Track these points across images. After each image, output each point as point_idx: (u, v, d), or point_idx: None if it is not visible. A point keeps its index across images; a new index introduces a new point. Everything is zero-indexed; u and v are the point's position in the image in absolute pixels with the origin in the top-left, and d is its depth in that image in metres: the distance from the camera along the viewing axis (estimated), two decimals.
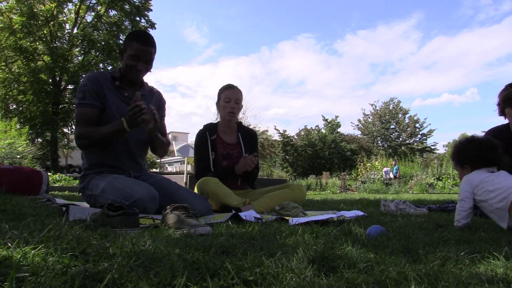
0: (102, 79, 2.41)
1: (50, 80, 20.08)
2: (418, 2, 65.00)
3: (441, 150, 35.00)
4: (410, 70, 67.46)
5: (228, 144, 2.98)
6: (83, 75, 18.33)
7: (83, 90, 2.35)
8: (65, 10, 20.43)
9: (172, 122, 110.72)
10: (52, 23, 18.85)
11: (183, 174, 11.07)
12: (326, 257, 0.98)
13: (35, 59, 19.19)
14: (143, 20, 21.14)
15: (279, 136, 29.84)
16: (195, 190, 2.70)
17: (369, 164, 20.89)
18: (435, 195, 8.42)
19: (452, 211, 2.56)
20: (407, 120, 35.19)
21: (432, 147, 34.52)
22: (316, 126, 32.12)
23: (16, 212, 1.77)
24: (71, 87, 20.60)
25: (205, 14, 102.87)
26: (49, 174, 6.01)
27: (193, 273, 0.83)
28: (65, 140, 22.74)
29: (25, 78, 19.09)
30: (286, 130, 30.03)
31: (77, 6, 20.05)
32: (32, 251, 0.91)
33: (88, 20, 20.95)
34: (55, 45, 19.08)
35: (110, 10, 20.77)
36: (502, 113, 2.66)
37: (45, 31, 19.04)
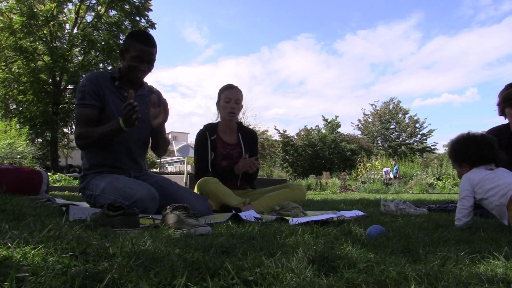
0: (102, 79, 2.41)
1: (50, 80, 20.09)
2: (418, 2, 64.96)
3: (441, 150, 34.89)
4: (410, 70, 67.43)
5: (228, 144, 2.98)
6: (83, 75, 18.32)
7: (82, 90, 2.35)
8: (65, 10, 20.46)
9: (172, 122, 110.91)
10: (52, 23, 18.86)
11: (183, 174, 11.07)
12: (326, 257, 0.98)
13: (35, 59, 19.20)
14: (143, 20, 21.16)
15: (279, 136, 29.87)
16: (195, 190, 2.70)
17: (369, 164, 20.89)
18: (435, 195, 8.42)
19: (452, 211, 2.56)
20: (407, 120, 35.20)
21: (432, 147, 34.53)
22: (316, 126, 32.16)
23: (16, 212, 1.77)
24: (71, 87, 20.61)
25: (205, 14, 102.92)
26: (49, 174, 6.01)
27: (193, 273, 0.83)
28: (65, 140, 22.74)
29: (25, 78, 19.10)
30: (286, 130, 30.08)
31: (77, 6, 20.06)
32: (32, 251, 0.91)
33: (88, 20, 20.98)
34: (55, 45, 19.10)
35: (110, 10, 20.78)
36: (502, 113, 2.66)
37: (45, 31, 19.05)
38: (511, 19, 56.19)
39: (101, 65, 21.31)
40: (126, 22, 20.95)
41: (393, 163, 17.87)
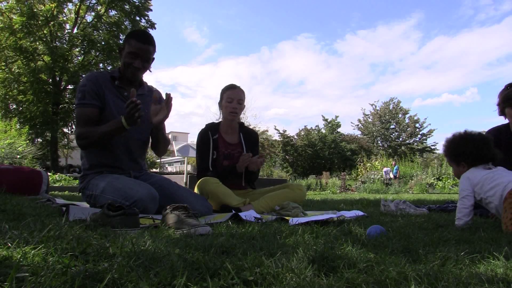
0: (102, 79, 2.41)
1: (50, 80, 20.08)
2: (418, 2, 64.99)
3: (441, 150, 34.46)
4: (410, 70, 67.45)
5: (230, 144, 2.98)
6: (83, 75, 18.30)
7: (82, 90, 2.35)
8: (65, 10, 20.46)
9: (172, 122, 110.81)
10: (52, 23, 18.85)
11: (183, 174, 11.08)
12: (326, 257, 0.98)
13: (35, 59, 19.20)
14: (143, 20, 21.16)
15: (279, 136, 29.84)
16: (195, 190, 2.70)
17: (369, 164, 20.89)
18: (435, 195, 8.42)
19: (452, 211, 2.56)
20: (407, 120, 35.17)
21: (432, 147, 34.48)
22: (316, 126, 32.12)
23: (16, 212, 1.77)
24: (71, 87, 20.60)
25: (205, 14, 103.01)
26: (49, 174, 6.01)
27: (193, 273, 0.83)
28: (65, 140, 22.74)
29: (25, 78, 19.09)
30: (286, 130, 30.05)
31: (77, 6, 20.06)
32: (32, 251, 0.91)
33: (88, 20, 20.97)
34: (55, 45, 19.09)
35: (110, 10, 20.78)
36: (502, 113, 2.66)
37: (45, 31, 19.05)
38: (511, 19, 56.21)
39: (101, 65, 21.30)
40: (126, 22, 20.95)
41: (393, 163, 17.87)
